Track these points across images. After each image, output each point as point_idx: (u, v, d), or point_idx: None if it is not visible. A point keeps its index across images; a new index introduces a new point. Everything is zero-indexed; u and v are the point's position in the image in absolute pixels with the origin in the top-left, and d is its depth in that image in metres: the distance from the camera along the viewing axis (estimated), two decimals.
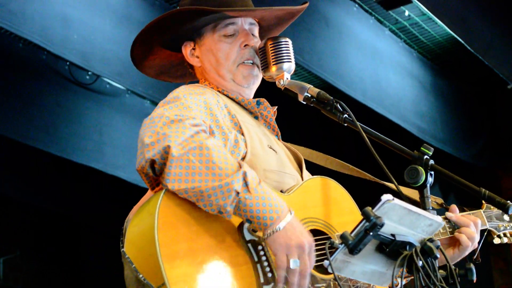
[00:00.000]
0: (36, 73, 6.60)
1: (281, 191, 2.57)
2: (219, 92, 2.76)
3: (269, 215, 2.26)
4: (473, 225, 2.85)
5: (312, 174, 2.81)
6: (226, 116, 2.58)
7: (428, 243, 2.25)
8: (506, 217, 3.16)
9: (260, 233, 2.33)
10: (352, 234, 2.13)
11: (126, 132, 7.03)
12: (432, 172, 2.46)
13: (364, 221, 2.12)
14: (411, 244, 2.24)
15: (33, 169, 7.89)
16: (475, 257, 2.87)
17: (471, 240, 2.82)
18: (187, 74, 2.96)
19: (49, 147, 6.60)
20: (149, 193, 2.53)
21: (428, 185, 2.45)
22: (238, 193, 2.24)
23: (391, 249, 2.23)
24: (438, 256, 2.24)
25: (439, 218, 2.29)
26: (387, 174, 2.46)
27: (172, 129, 2.29)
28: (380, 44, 7.33)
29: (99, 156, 6.91)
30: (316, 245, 2.41)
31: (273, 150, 2.66)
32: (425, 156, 2.46)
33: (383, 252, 2.24)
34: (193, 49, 2.84)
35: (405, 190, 2.72)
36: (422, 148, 2.48)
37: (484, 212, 3.09)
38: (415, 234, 2.25)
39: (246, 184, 2.26)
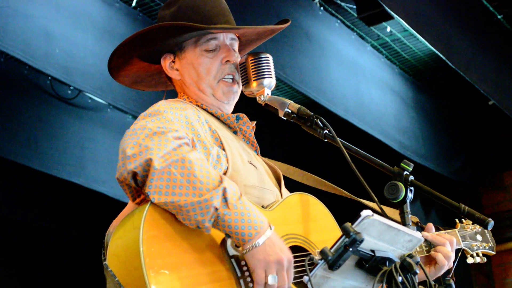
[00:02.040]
0: (17, 87, 6.57)
1: (262, 207, 2.57)
2: (198, 106, 2.76)
3: (247, 231, 2.26)
4: (448, 244, 2.87)
5: (289, 190, 2.81)
6: (207, 132, 2.58)
7: (408, 259, 2.25)
8: (479, 237, 3.21)
9: (239, 251, 2.33)
10: (332, 250, 2.13)
11: (108, 147, 7.00)
12: (412, 188, 2.47)
13: (343, 237, 2.12)
14: (390, 260, 2.24)
15: (13, 184, 7.84)
16: (450, 276, 2.89)
17: (447, 259, 2.83)
18: (162, 83, 2.96)
19: (30, 161, 6.56)
20: (130, 205, 2.52)
21: (408, 201, 2.46)
22: (216, 209, 2.23)
23: (371, 264, 2.23)
24: (418, 271, 2.25)
25: (418, 234, 2.30)
26: (367, 190, 2.47)
27: (155, 142, 2.28)
28: (362, 60, 7.36)
29: (80, 171, 6.87)
30: (296, 262, 2.41)
31: (253, 165, 2.66)
32: (405, 172, 2.47)
33: (363, 268, 2.24)
34: (173, 61, 2.82)
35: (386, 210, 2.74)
36: (402, 164, 2.49)
37: (458, 231, 3.13)
38: (395, 249, 2.26)
39: (225, 199, 2.25)
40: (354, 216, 2.22)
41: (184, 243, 2.27)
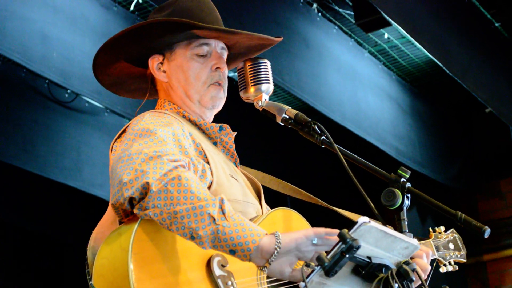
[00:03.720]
0: (14, 90, 6.57)
1: None
2: (179, 113, 2.73)
3: (251, 239, 2.20)
4: (425, 256, 2.81)
5: (265, 198, 2.81)
6: (191, 146, 2.55)
7: (404, 266, 2.25)
8: (451, 246, 3.22)
9: (228, 268, 2.33)
10: (328, 256, 2.13)
11: (104, 151, 6.99)
12: (409, 195, 2.46)
13: (340, 243, 2.12)
14: (387, 267, 2.24)
15: (9, 187, 7.83)
16: None
17: (424, 272, 2.80)
18: (141, 90, 2.92)
19: (27, 164, 6.56)
20: (109, 212, 2.51)
21: (404, 208, 2.45)
22: (214, 219, 2.20)
23: (367, 271, 2.23)
24: (414, 279, 2.25)
25: (415, 241, 2.30)
26: (364, 196, 2.47)
27: (150, 166, 2.26)
28: (359, 66, 7.37)
29: (77, 175, 6.87)
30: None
31: (235, 179, 2.64)
32: (402, 179, 2.47)
33: (359, 275, 2.24)
34: (161, 63, 2.79)
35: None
36: (399, 171, 2.49)
37: (433, 241, 3.14)
38: (391, 256, 2.26)
39: (223, 211, 2.22)
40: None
41: (171, 264, 2.26)
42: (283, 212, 2.68)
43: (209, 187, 2.50)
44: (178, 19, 2.70)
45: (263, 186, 2.95)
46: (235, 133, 2.83)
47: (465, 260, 3.25)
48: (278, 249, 2.21)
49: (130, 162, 2.28)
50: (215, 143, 2.76)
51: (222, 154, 2.76)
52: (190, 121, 2.73)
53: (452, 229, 3.29)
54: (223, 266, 2.33)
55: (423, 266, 2.79)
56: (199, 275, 2.31)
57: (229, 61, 2.93)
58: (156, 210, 2.21)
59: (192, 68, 2.75)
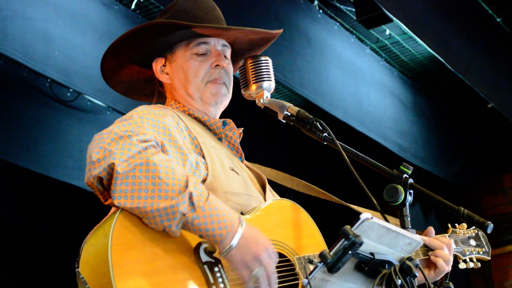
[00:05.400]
0: (17, 90, 6.57)
1: (242, 213, 2.56)
2: (185, 111, 2.76)
3: (218, 232, 2.27)
4: (446, 248, 2.86)
5: (281, 196, 2.81)
6: (186, 138, 2.57)
7: (407, 262, 2.25)
8: (472, 242, 3.18)
9: (216, 254, 2.34)
10: (331, 253, 2.13)
11: None
12: (412, 191, 2.47)
13: (343, 240, 2.12)
14: (390, 263, 2.24)
15: (12, 186, 7.84)
16: (445, 280, 2.88)
17: (447, 263, 2.83)
18: (155, 93, 2.95)
19: (29, 163, 6.56)
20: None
21: (407, 204, 2.46)
22: (184, 214, 2.24)
23: (370, 267, 2.23)
24: (417, 274, 2.25)
25: (418, 237, 2.30)
26: (367, 193, 2.47)
27: (119, 146, 2.28)
28: (361, 63, 7.36)
29: (79, 173, 6.86)
30: (278, 267, 2.43)
31: (235, 172, 2.65)
32: (404, 175, 2.47)
33: (362, 271, 2.24)
34: (164, 65, 2.84)
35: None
36: (401, 167, 2.49)
37: (449, 236, 3.10)
38: (394, 252, 2.26)
39: (192, 203, 2.26)
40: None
41: (156, 249, 2.27)
42: (280, 203, 2.68)
43: (204, 180, 2.52)
44: (164, 21, 2.75)
45: (277, 183, 2.98)
46: (242, 128, 2.84)
47: (488, 258, 3.20)
48: (230, 249, 2.28)
49: (100, 141, 2.32)
50: (220, 139, 2.79)
51: (227, 149, 2.78)
52: (195, 118, 2.76)
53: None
54: (210, 252, 2.34)
55: (445, 258, 2.81)
56: (185, 260, 2.31)
57: (236, 58, 2.95)
58: (131, 204, 2.23)
59: (191, 67, 2.78)
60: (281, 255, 2.52)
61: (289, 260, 2.54)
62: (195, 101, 2.78)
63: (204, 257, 2.34)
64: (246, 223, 2.33)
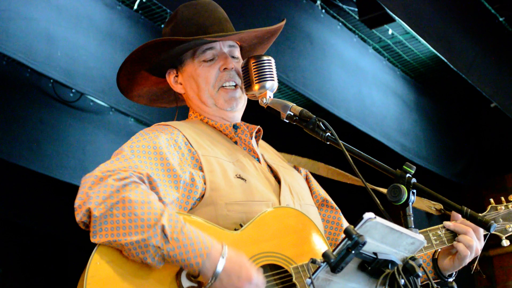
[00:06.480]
0: (19, 90, 6.58)
1: (241, 225, 2.53)
2: (202, 120, 2.80)
3: (194, 261, 2.28)
4: (472, 232, 2.80)
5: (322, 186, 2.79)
6: (184, 155, 2.59)
7: (410, 262, 2.25)
8: None
9: (200, 278, 2.33)
10: (334, 252, 2.13)
11: (109, 150, 6.94)
12: (415, 191, 2.46)
13: (346, 239, 2.12)
14: (393, 263, 2.24)
15: (15, 186, 7.84)
16: (473, 265, 2.83)
17: (469, 248, 2.77)
18: (176, 102, 2.98)
19: (32, 164, 6.56)
20: None
21: (410, 204, 2.45)
22: (158, 247, 2.26)
23: (373, 267, 2.23)
24: (421, 274, 2.25)
25: (421, 237, 2.30)
26: (370, 193, 2.47)
27: (95, 189, 2.34)
28: (364, 63, 7.36)
29: (82, 174, 6.82)
30: (275, 279, 2.43)
31: (242, 179, 2.64)
32: (407, 175, 2.46)
33: (365, 271, 2.24)
34: (176, 76, 2.86)
35: None
36: (404, 167, 2.48)
37: (488, 214, 3.00)
38: (397, 252, 2.25)
39: (165, 236, 2.27)
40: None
41: (137, 280, 2.30)
42: (275, 212, 2.62)
43: (202, 195, 2.53)
44: (161, 39, 2.77)
45: (315, 174, 3.00)
46: (258, 127, 2.85)
47: None
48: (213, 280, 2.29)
49: (83, 185, 2.39)
50: (236, 142, 2.80)
51: (243, 151, 2.78)
52: (210, 125, 2.80)
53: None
54: (193, 277, 2.34)
55: (467, 243, 2.76)
56: None
57: (247, 53, 2.97)
58: (107, 237, 2.28)
59: (200, 75, 2.80)
60: (278, 266, 2.50)
61: (286, 271, 2.50)
62: (209, 108, 2.81)
63: (186, 283, 2.34)
64: (229, 252, 2.33)
